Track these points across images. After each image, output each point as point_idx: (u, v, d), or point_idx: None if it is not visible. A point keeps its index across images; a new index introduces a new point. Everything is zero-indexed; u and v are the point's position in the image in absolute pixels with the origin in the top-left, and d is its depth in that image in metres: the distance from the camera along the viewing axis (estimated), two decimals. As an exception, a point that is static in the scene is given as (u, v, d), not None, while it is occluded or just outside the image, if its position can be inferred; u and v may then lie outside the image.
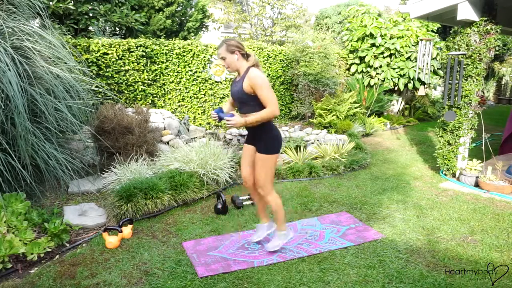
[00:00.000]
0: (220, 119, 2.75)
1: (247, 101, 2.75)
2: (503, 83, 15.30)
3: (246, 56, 2.78)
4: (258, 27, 12.42)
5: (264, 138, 2.82)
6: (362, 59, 9.45)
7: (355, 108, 8.16)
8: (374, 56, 9.18)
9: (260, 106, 2.73)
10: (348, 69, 9.68)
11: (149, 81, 6.61)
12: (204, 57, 7.19)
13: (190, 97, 7.22)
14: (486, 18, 4.50)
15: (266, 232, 3.19)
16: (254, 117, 2.69)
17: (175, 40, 7.03)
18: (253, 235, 3.28)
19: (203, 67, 7.22)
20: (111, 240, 3.13)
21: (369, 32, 9.15)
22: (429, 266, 2.86)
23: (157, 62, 6.69)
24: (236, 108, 3.02)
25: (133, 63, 6.33)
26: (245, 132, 6.96)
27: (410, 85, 9.14)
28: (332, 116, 7.57)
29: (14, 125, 3.33)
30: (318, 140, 6.62)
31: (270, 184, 2.91)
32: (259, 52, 8.07)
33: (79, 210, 3.80)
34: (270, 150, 2.81)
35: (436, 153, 5.07)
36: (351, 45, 9.54)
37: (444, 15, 5.00)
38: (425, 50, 5.31)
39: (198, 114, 7.39)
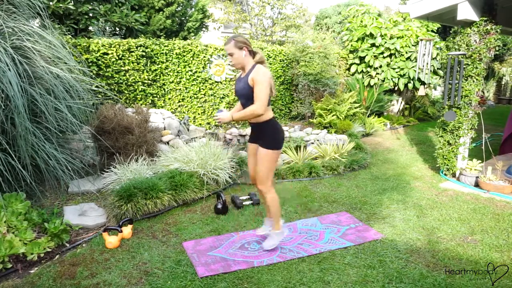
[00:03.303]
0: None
1: (251, 96, 2.76)
2: (503, 83, 15.30)
3: (253, 53, 2.80)
4: (258, 27, 12.42)
5: (266, 134, 2.85)
6: (362, 59, 9.45)
7: (355, 108, 8.16)
8: (374, 56, 9.18)
9: None
10: (348, 69, 9.68)
11: (149, 81, 6.61)
12: (204, 57, 7.19)
13: (190, 97, 7.22)
14: (486, 18, 4.50)
15: (278, 241, 3.15)
16: (240, 114, 2.75)
17: (175, 40, 7.03)
18: (258, 229, 3.29)
19: (203, 67, 7.22)
20: (111, 240, 3.13)
21: (369, 32, 9.15)
22: (429, 266, 2.86)
23: (157, 62, 6.69)
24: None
25: (133, 63, 6.33)
26: (245, 132, 6.97)
27: (410, 85, 9.14)
28: (332, 116, 7.57)
29: (14, 125, 3.33)
30: (318, 140, 6.62)
31: (270, 181, 2.93)
32: (259, 52, 8.07)
33: (79, 210, 3.80)
34: (271, 145, 2.84)
35: (436, 153, 5.07)
36: (351, 45, 9.54)
37: (444, 15, 5.00)
38: (425, 50, 5.31)
39: (198, 114, 7.39)
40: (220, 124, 2.74)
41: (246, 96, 2.80)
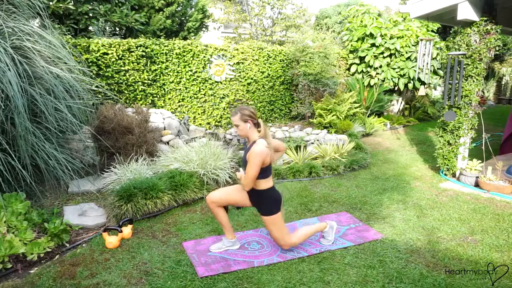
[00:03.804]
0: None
1: None
2: (503, 83, 15.30)
3: (257, 125, 2.94)
4: (258, 27, 12.41)
5: (263, 202, 2.96)
6: (362, 59, 9.45)
7: (355, 108, 8.16)
8: (374, 56, 9.18)
9: (261, 174, 2.85)
10: (348, 69, 9.68)
11: (149, 81, 6.61)
12: (204, 57, 7.18)
13: (190, 97, 7.22)
14: (486, 18, 4.50)
15: (226, 247, 3.14)
16: (244, 178, 2.88)
17: (175, 40, 7.03)
18: (214, 244, 3.22)
19: (203, 67, 7.22)
20: (111, 240, 3.13)
21: (369, 32, 9.15)
22: (429, 266, 2.86)
23: (157, 62, 6.69)
24: None
25: (133, 63, 6.33)
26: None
27: (410, 85, 9.14)
28: (332, 116, 7.56)
29: (14, 125, 3.33)
30: (318, 140, 6.62)
31: (288, 235, 3.03)
32: (259, 52, 8.07)
33: (79, 210, 3.80)
34: (272, 211, 2.95)
35: (436, 153, 5.07)
36: (351, 45, 9.54)
37: (444, 15, 5.00)
38: (425, 50, 5.31)
39: (198, 114, 7.39)
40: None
41: (245, 167, 2.93)
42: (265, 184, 2.92)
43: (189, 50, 7.02)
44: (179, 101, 7.10)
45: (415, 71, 8.81)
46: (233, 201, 3.06)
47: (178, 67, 6.94)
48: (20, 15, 3.75)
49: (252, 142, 2.91)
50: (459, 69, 4.61)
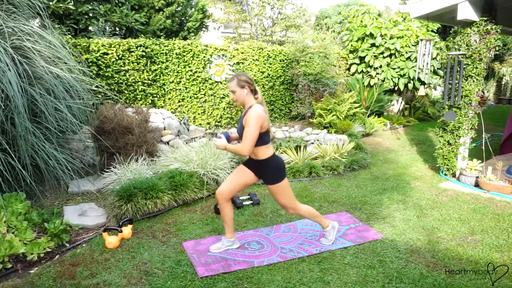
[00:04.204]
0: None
1: None
2: (503, 83, 15.30)
3: (254, 91, 2.88)
4: (258, 27, 12.41)
5: (267, 172, 2.93)
6: (362, 59, 9.45)
7: (355, 108, 8.16)
8: (374, 56, 9.18)
9: (260, 140, 2.81)
10: (348, 69, 9.68)
11: (149, 81, 6.61)
12: (204, 57, 7.18)
13: (190, 97, 7.22)
14: (486, 18, 4.50)
15: (226, 247, 3.11)
16: (231, 147, 2.81)
17: (175, 40, 7.03)
18: (214, 244, 3.19)
19: (203, 67, 7.22)
20: (111, 240, 3.13)
21: (369, 32, 9.15)
22: (429, 266, 2.86)
23: (157, 62, 6.69)
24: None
25: (133, 63, 6.33)
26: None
27: (410, 85, 9.14)
28: (332, 116, 7.56)
29: (14, 125, 3.33)
30: (318, 140, 6.62)
31: (294, 201, 3.04)
32: (259, 52, 8.07)
33: (79, 210, 3.80)
34: (277, 180, 2.92)
35: (436, 153, 5.07)
36: (351, 45, 9.54)
37: (444, 15, 5.00)
38: (425, 50, 5.31)
39: (198, 114, 7.39)
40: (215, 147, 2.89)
41: (241, 135, 2.87)
42: (266, 151, 2.87)
43: (189, 50, 7.02)
44: (179, 101, 7.10)
45: (415, 71, 8.82)
46: (242, 184, 2.99)
47: (178, 67, 6.94)
48: (20, 15, 3.75)
49: (248, 108, 2.84)
50: (459, 69, 4.62)
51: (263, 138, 2.83)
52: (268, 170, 2.91)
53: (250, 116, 2.73)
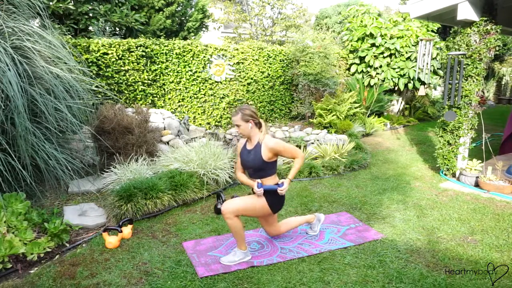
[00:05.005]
0: (267, 190, 2.91)
1: (264, 168, 2.90)
2: (503, 83, 15.30)
3: (259, 124, 2.93)
4: (258, 27, 12.41)
5: (271, 198, 2.94)
6: (362, 59, 9.44)
7: (355, 108, 8.16)
8: (374, 56, 9.18)
9: (272, 168, 2.93)
10: (348, 69, 9.68)
11: (149, 81, 6.61)
12: (204, 57, 7.18)
13: (190, 97, 7.22)
14: (486, 18, 4.50)
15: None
16: (294, 172, 2.94)
17: (175, 40, 7.03)
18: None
19: (203, 67, 7.22)
20: (111, 240, 3.13)
21: (369, 32, 9.15)
22: (429, 266, 2.86)
23: (157, 62, 6.69)
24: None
25: (133, 63, 6.33)
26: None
27: (410, 85, 9.14)
28: (332, 116, 7.56)
29: (14, 125, 3.33)
30: (318, 140, 6.62)
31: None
32: (259, 52, 8.07)
33: (79, 210, 3.80)
34: (273, 210, 2.99)
35: (436, 153, 5.07)
36: (351, 45, 9.54)
37: (444, 15, 5.00)
38: (425, 50, 5.31)
39: (198, 114, 7.39)
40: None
41: (256, 168, 2.90)
42: (274, 180, 2.95)
43: (189, 50, 7.01)
44: (179, 101, 7.10)
45: (415, 71, 8.81)
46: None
47: (178, 67, 6.93)
48: (20, 15, 3.75)
49: (260, 141, 2.89)
50: (459, 69, 4.62)
51: (274, 167, 2.94)
52: (272, 198, 2.94)
53: (278, 146, 2.85)
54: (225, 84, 7.58)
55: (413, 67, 8.88)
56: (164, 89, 6.86)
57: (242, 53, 7.77)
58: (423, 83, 9.08)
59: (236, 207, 2.84)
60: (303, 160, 2.97)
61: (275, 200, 2.95)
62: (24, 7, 3.87)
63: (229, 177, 4.50)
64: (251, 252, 3.08)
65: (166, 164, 4.56)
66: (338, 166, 5.23)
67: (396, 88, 9.46)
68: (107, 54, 6.05)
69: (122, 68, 6.22)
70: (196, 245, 3.19)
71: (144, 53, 6.40)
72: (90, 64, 5.86)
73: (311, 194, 4.44)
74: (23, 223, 2.99)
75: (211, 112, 7.52)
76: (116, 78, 6.20)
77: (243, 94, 7.90)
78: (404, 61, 8.97)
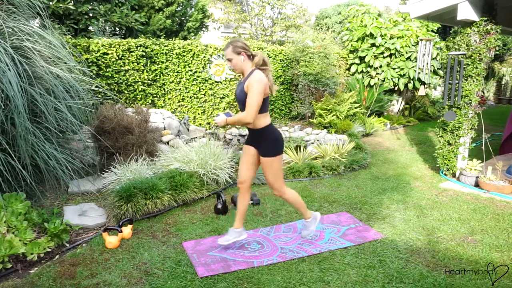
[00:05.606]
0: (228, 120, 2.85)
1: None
2: (503, 83, 15.30)
3: (252, 57, 2.79)
4: (258, 27, 12.42)
5: (263, 142, 2.85)
6: (362, 59, 9.45)
7: (355, 108, 8.16)
8: (374, 56, 9.18)
9: (260, 108, 2.75)
10: (348, 69, 9.68)
11: (149, 81, 6.61)
12: (204, 57, 7.18)
13: (190, 97, 7.22)
14: (486, 18, 4.50)
15: (234, 238, 3.05)
16: (232, 118, 2.78)
17: (175, 40, 7.03)
18: (222, 237, 3.15)
19: (203, 67, 7.22)
20: (111, 240, 3.13)
21: (369, 32, 9.15)
22: (429, 266, 2.86)
23: (157, 62, 6.69)
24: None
25: (133, 63, 6.33)
26: (245, 132, 6.97)
27: (410, 85, 9.14)
28: (332, 116, 7.56)
29: (14, 125, 3.33)
30: (318, 140, 6.62)
31: (282, 183, 2.98)
32: (259, 52, 8.07)
33: (79, 210, 3.80)
34: (271, 153, 2.85)
35: (436, 153, 5.07)
36: (351, 45, 9.54)
37: (444, 15, 5.00)
38: (425, 50, 5.31)
39: (198, 114, 7.39)
40: (218, 127, 2.79)
41: (242, 102, 2.78)
42: (263, 120, 2.80)
43: (189, 50, 7.02)
44: (179, 101, 7.10)
45: (415, 71, 8.81)
46: (251, 163, 2.94)
47: (178, 67, 6.94)
48: (20, 15, 3.75)
49: (249, 74, 2.74)
50: (459, 69, 4.62)
51: (264, 105, 2.76)
52: (264, 140, 2.83)
53: (253, 81, 2.64)
54: (225, 84, 7.59)
55: (413, 67, 8.88)
56: (164, 89, 6.86)
57: (242, 53, 7.76)
58: (423, 83, 9.08)
59: (276, 181, 2.89)
60: (245, 120, 2.68)
61: (270, 145, 2.84)
62: (24, 7, 3.87)
63: (229, 177, 4.50)
64: (251, 252, 3.08)
65: (166, 164, 4.56)
66: (338, 166, 5.24)
67: (396, 88, 9.46)
68: (107, 54, 6.05)
69: (122, 68, 6.22)
70: (196, 245, 3.19)
71: (144, 53, 6.40)
72: (90, 64, 5.86)
73: (311, 194, 4.44)
74: (23, 223, 2.99)
75: (211, 112, 7.52)
76: (116, 78, 6.20)
77: (243, 94, 7.89)
78: (404, 61, 8.98)
